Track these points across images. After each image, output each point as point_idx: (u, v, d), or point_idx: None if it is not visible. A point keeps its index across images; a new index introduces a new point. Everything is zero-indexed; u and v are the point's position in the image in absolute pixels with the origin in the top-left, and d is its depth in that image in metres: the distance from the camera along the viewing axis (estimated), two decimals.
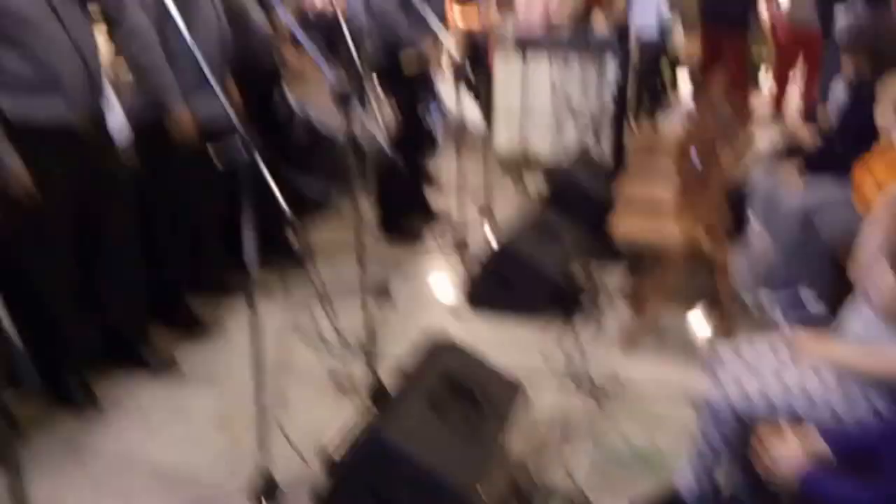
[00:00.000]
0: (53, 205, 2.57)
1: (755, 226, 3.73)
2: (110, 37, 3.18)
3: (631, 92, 5.06)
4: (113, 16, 2.82)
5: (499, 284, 3.57)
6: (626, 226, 3.41)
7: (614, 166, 4.24)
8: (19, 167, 2.46)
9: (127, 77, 3.15)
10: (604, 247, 3.91)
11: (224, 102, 2.04)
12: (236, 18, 3.43)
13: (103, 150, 2.78)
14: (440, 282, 4.04)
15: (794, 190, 3.53)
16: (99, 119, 2.73)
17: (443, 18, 4.45)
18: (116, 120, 3.07)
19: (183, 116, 3.06)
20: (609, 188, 4.10)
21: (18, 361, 1.52)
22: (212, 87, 2.05)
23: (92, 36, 2.68)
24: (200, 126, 3.09)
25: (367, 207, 3.64)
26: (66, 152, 2.60)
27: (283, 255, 4.02)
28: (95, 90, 2.66)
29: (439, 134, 4.51)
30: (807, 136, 4.12)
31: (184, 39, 2.02)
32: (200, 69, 2.02)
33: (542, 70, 5.53)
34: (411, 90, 4.19)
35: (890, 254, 1.53)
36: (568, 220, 4.06)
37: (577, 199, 4.26)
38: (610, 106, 4.97)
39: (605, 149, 5.14)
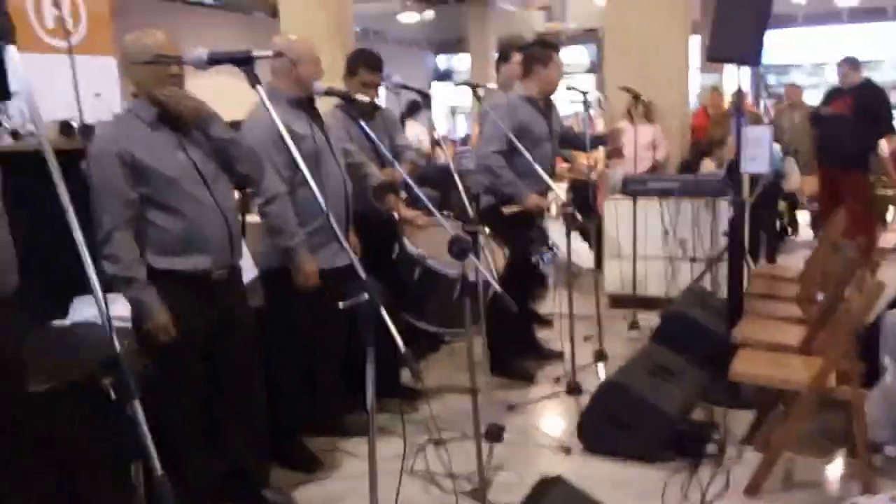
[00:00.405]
0: (185, 343, 2.71)
1: (891, 368, 3.52)
2: (247, 197, 3.43)
3: (747, 232, 4.99)
4: (253, 180, 3.03)
5: (614, 426, 3.47)
6: (749, 368, 3.28)
7: (733, 307, 4.12)
8: (163, 312, 2.65)
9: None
10: (726, 390, 3.76)
11: (348, 250, 2.17)
12: (356, 174, 3.66)
13: (233, 293, 2.93)
14: (553, 423, 3.95)
15: None
16: (233, 266, 2.91)
17: (552, 166, 4.59)
18: (244, 261, 3.24)
19: (308, 267, 3.23)
20: (728, 329, 3.98)
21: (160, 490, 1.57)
22: (336, 236, 2.19)
23: (233, 198, 2.91)
24: (323, 272, 3.25)
25: (480, 348, 3.66)
26: (201, 295, 2.76)
27: (399, 395, 4.04)
28: (235, 247, 2.87)
29: (550, 276, 4.55)
30: None
31: (314, 196, 2.17)
32: (326, 222, 2.17)
33: (653, 211, 5.55)
34: (521, 236, 4.27)
35: None
36: (686, 361, 3.95)
37: (694, 340, 4.15)
38: (725, 246, 4.89)
39: (722, 289, 5.03)
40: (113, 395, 1.58)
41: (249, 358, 2.98)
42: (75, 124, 3.74)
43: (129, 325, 2.71)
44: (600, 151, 6.36)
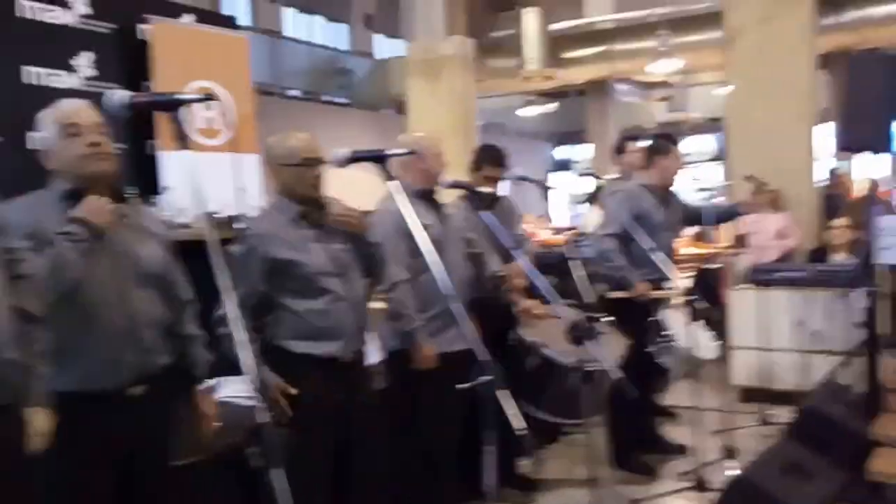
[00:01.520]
0: (315, 419, 2.78)
1: None
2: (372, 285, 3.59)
3: (883, 323, 4.74)
4: (377, 271, 3.15)
5: None
6: (890, 467, 3.09)
7: (871, 402, 3.90)
8: (277, 377, 2.75)
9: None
10: (866, 491, 3.53)
11: (468, 334, 2.24)
12: (477, 262, 3.74)
13: (359, 374, 3.02)
14: None
15: None
16: (359, 350, 3.01)
17: (671, 253, 4.55)
18: (371, 344, 3.36)
19: (427, 351, 3.32)
20: (866, 426, 3.76)
21: None
22: (456, 321, 2.28)
23: (363, 289, 3.02)
24: (443, 356, 3.31)
25: (601, 440, 3.59)
26: (330, 377, 2.86)
27: (516, 485, 4.00)
28: (362, 335, 2.99)
29: (672, 367, 4.44)
30: None
31: (436, 286, 2.29)
32: (448, 309, 2.28)
33: (781, 300, 5.36)
34: (641, 325, 4.23)
35: None
36: (821, 458, 3.74)
37: (831, 437, 3.92)
38: (860, 338, 4.66)
39: (858, 383, 4.76)
40: (255, 464, 1.68)
41: (374, 436, 3.02)
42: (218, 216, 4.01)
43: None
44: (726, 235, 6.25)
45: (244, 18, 13.77)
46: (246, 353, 1.81)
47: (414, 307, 3.34)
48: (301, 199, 2.86)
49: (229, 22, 5.42)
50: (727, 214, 5.06)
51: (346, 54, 16.21)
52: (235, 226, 3.81)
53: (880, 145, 3.97)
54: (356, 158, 2.70)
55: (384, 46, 17.36)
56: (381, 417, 3.09)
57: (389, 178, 2.64)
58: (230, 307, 1.94)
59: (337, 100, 15.08)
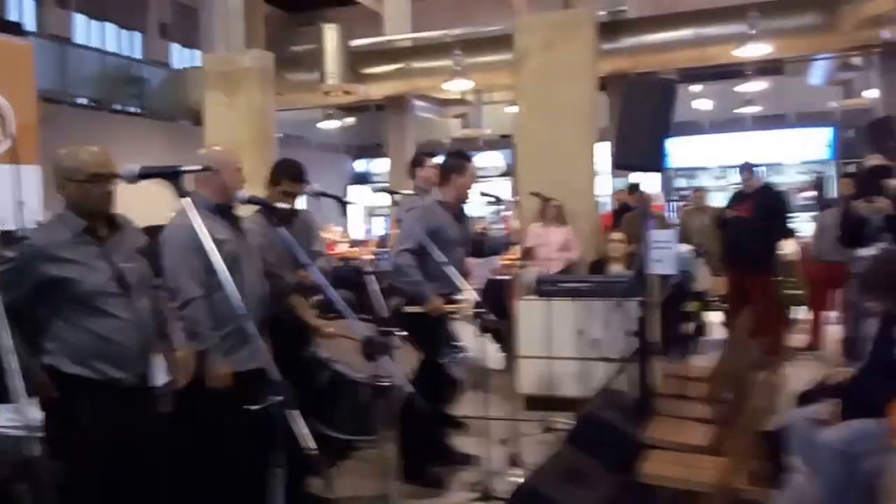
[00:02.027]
0: (92, 447, 2.71)
1: (798, 467, 3.58)
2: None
3: (655, 332, 5.09)
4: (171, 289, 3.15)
5: None
6: (659, 469, 3.28)
7: (643, 407, 4.15)
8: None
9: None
10: (640, 493, 3.73)
11: (262, 354, 2.26)
12: (272, 279, 3.68)
13: (144, 399, 2.93)
14: None
15: (832, 428, 3.41)
16: (144, 374, 2.93)
17: (462, 266, 4.64)
18: (159, 368, 3.19)
19: (220, 370, 3.24)
20: (638, 430, 3.99)
21: None
22: (251, 340, 2.33)
23: (150, 309, 2.95)
24: (238, 374, 3.25)
25: (391, 455, 3.57)
26: (110, 402, 2.77)
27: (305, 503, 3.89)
28: (148, 356, 2.93)
29: (462, 380, 4.53)
30: (843, 373, 4.04)
31: (231, 303, 2.28)
32: (242, 327, 2.31)
33: (566, 312, 5.60)
34: (433, 337, 4.27)
35: None
36: (599, 464, 3.91)
37: (608, 442, 4.13)
38: (633, 346, 4.97)
39: (633, 389, 5.07)
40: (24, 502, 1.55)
41: (157, 463, 2.94)
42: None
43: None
44: (514, 252, 6.47)
45: (31, 24, 12.87)
46: (16, 382, 1.65)
47: (208, 325, 3.26)
48: (89, 214, 2.79)
49: (15, 27, 5.05)
50: (501, 246, 5.24)
51: (139, 63, 15.51)
52: (9, 243, 3.58)
53: (653, 164, 4.24)
54: (147, 175, 2.55)
55: (184, 56, 16.70)
56: (165, 443, 3.00)
57: (182, 193, 2.51)
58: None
59: (130, 109, 14.52)
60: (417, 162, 5.37)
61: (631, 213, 8.84)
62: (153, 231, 3.45)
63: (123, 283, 2.80)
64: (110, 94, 14.31)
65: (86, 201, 2.78)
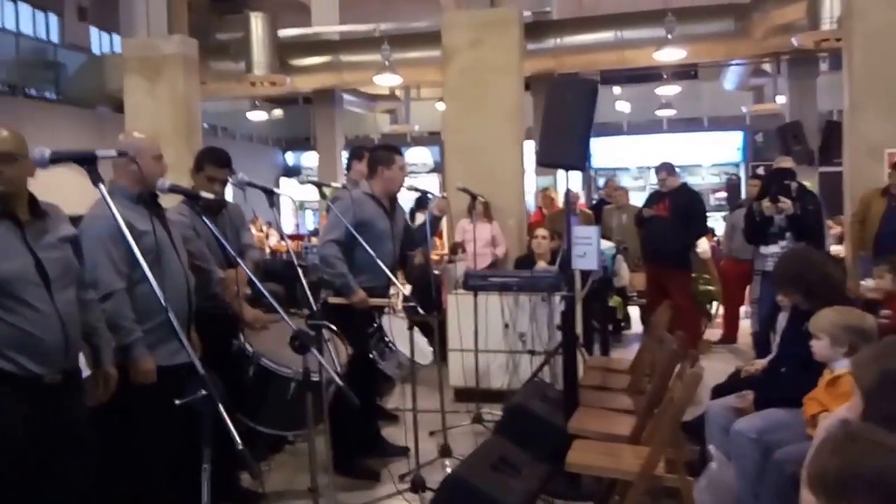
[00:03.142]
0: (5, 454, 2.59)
1: (716, 455, 3.74)
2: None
3: (579, 326, 5.23)
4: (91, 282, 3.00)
5: None
6: (583, 458, 3.40)
7: (568, 398, 4.28)
8: None
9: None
10: (566, 482, 3.86)
11: (187, 346, 2.19)
12: (199, 272, 3.63)
13: (68, 396, 2.80)
14: None
15: (747, 417, 3.59)
16: (67, 370, 2.79)
17: (393, 260, 4.68)
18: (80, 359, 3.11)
19: (144, 365, 3.16)
20: (564, 420, 4.12)
21: None
22: (177, 335, 2.24)
23: (74, 301, 2.81)
24: (162, 368, 3.18)
25: (322, 448, 3.60)
26: (27, 399, 2.64)
27: (237, 499, 3.88)
28: (71, 350, 2.78)
29: (392, 372, 4.57)
30: (756, 365, 4.25)
31: (155, 296, 2.22)
32: (168, 321, 2.23)
33: (494, 306, 5.71)
34: (363, 331, 4.30)
35: (810, 480, 1.55)
36: (527, 453, 4.03)
37: (535, 432, 4.24)
38: (559, 339, 5.11)
39: (559, 381, 5.21)
40: None
41: (79, 460, 2.83)
42: None
43: None
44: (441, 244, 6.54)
45: None
46: None
47: (131, 318, 3.17)
48: (3, 197, 2.62)
49: None
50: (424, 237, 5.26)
51: (56, 47, 14.97)
52: None
53: (576, 162, 4.35)
54: (59, 158, 2.48)
55: (103, 41, 16.19)
56: (89, 440, 2.88)
57: (97, 180, 2.45)
58: None
59: (46, 95, 14.06)
60: (357, 154, 5.37)
61: (609, 206, 9.07)
62: (75, 222, 3.36)
63: (43, 272, 2.66)
64: (25, 78, 13.88)
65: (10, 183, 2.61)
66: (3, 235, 2.62)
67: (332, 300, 4.38)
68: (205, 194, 3.63)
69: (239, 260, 3.21)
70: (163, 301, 2.23)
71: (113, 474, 3.15)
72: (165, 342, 3.22)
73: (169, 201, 3.47)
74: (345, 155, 15.62)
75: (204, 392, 2.08)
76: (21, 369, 2.62)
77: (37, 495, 2.72)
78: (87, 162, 2.42)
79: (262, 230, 12.39)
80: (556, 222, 7.44)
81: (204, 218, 3.08)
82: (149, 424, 3.21)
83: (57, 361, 2.70)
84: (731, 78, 14.66)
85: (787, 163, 7.10)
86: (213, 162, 4.03)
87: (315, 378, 3.04)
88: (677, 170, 7.59)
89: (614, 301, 8.03)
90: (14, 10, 14.67)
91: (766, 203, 6.23)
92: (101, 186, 2.43)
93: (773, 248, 6.30)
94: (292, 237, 12.70)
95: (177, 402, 2.10)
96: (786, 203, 6.13)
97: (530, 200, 10.79)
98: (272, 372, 3.65)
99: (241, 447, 2.02)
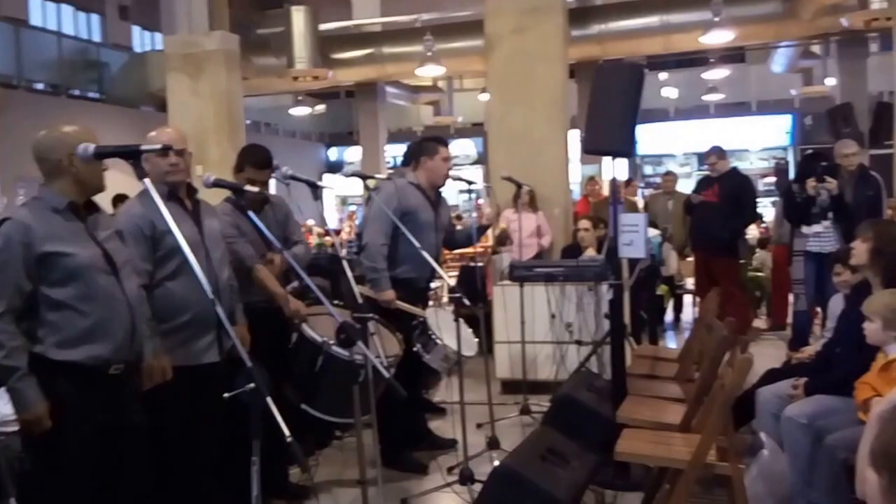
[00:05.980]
0: (77, 437, 2.67)
1: (767, 443, 3.68)
2: None
3: (627, 314, 5.17)
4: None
5: None
6: (633, 447, 3.36)
7: (616, 388, 4.23)
8: (40, 404, 2.59)
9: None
10: (615, 472, 3.82)
11: (235, 341, 2.22)
12: (243, 271, 3.66)
13: (128, 389, 2.86)
14: None
15: (798, 403, 3.52)
16: (130, 361, 2.84)
17: (438, 252, 4.66)
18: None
19: (159, 363, 3.07)
20: (612, 410, 4.08)
21: None
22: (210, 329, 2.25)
23: (139, 289, 2.90)
24: (183, 370, 3.13)
25: (371, 441, 3.61)
26: (96, 389, 2.71)
27: (286, 494, 3.92)
28: (136, 340, 2.83)
29: (438, 365, 4.56)
30: (808, 351, 4.16)
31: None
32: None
33: (540, 296, 5.68)
34: (407, 324, 4.30)
35: (873, 457, 1.52)
36: (576, 443, 4.00)
37: (583, 422, 4.21)
38: (607, 328, 5.07)
39: (608, 371, 5.17)
40: None
41: (141, 457, 2.89)
42: None
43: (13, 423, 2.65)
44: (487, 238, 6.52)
45: None
46: None
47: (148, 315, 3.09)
48: (82, 190, 2.73)
49: None
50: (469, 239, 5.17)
51: (98, 46, 15.17)
52: None
53: (623, 149, 4.29)
54: (103, 154, 2.52)
55: (145, 39, 16.43)
56: (145, 430, 2.92)
57: (143, 175, 2.48)
58: None
59: (89, 95, 14.20)
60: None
61: (656, 192, 8.96)
62: None
63: (111, 261, 2.72)
64: (69, 78, 14.01)
65: (80, 178, 2.69)
66: (73, 227, 2.69)
67: (363, 292, 4.32)
68: (248, 188, 3.63)
69: (281, 248, 3.22)
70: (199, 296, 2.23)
71: (165, 468, 3.19)
72: (187, 343, 3.19)
73: (213, 197, 3.44)
74: (388, 149, 15.69)
75: (251, 385, 2.08)
76: (91, 359, 2.67)
77: (106, 488, 2.77)
78: (133, 157, 2.45)
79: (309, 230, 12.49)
80: (602, 210, 7.37)
81: (248, 213, 3.08)
82: (198, 419, 3.22)
83: (125, 348, 2.75)
84: (779, 60, 14.34)
85: (851, 147, 6.80)
86: (253, 164, 3.93)
87: (362, 370, 3.04)
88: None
89: (661, 289, 7.93)
90: (56, 11, 14.94)
91: (812, 181, 6.11)
92: (147, 181, 2.46)
93: (817, 228, 6.19)
94: (337, 231, 12.77)
95: (225, 395, 2.11)
96: (831, 183, 6.01)
97: (576, 189, 10.70)
98: (340, 359, 3.61)
99: (290, 439, 2.03)
